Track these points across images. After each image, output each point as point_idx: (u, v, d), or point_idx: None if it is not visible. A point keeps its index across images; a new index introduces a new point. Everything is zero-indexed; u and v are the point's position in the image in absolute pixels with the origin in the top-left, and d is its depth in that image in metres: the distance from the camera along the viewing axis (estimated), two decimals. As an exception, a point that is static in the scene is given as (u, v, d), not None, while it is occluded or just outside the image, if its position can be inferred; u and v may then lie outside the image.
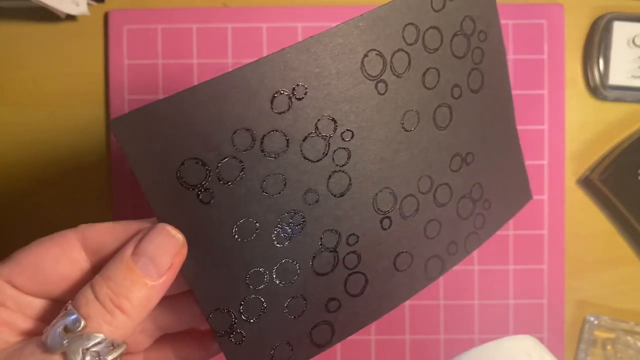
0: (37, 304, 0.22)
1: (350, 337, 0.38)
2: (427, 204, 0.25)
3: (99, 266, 0.22)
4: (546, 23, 0.38)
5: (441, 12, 0.23)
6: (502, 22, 0.38)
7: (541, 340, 0.38)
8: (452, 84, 0.24)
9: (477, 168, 0.26)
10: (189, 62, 0.37)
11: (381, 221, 0.24)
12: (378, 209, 0.23)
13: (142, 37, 0.37)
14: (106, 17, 0.38)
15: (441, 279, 0.38)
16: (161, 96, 0.37)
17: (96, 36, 0.38)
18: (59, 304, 0.21)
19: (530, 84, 0.38)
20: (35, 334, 0.21)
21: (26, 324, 0.22)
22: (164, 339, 0.25)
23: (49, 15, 0.37)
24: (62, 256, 0.21)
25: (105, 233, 0.22)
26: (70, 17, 0.37)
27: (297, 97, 0.21)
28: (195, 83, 0.37)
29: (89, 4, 0.36)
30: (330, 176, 0.22)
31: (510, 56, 0.38)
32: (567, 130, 0.38)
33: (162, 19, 0.37)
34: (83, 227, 0.22)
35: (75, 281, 0.22)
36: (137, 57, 0.37)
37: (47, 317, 0.22)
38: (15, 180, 0.38)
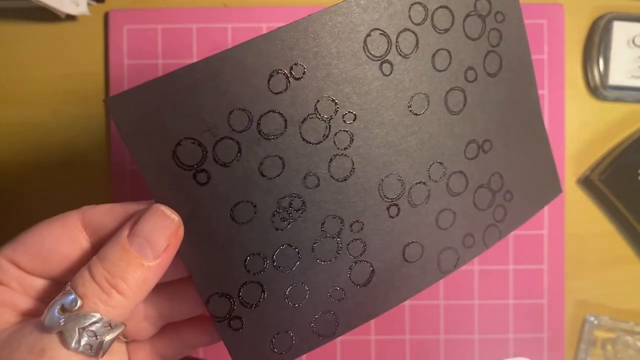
0: (40, 285, 0.22)
1: (350, 337, 0.38)
2: (440, 192, 0.24)
3: (98, 246, 0.22)
4: (546, 23, 0.38)
5: None
6: (502, 22, 0.38)
7: (541, 340, 0.38)
8: (465, 66, 0.23)
9: (496, 156, 0.25)
10: (189, 62, 0.37)
11: (388, 208, 0.23)
12: (384, 195, 0.23)
13: (142, 37, 0.37)
14: (106, 17, 0.38)
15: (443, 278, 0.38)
16: (161, 96, 0.37)
17: (96, 36, 0.38)
18: (61, 285, 0.22)
19: (530, 84, 0.38)
20: (36, 315, 0.22)
21: (28, 304, 0.22)
22: (169, 325, 0.25)
23: (49, 15, 0.37)
24: (63, 236, 0.22)
25: (105, 214, 0.22)
26: (70, 17, 0.37)
27: (295, 76, 0.20)
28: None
29: (89, 4, 0.36)
30: (331, 159, 0.22)
31: (510, 56, 0.38)
32: (567, 130, 0.38)
33: (162, 19, 0.37)
34: (85, 208, 0.22)
35: (76, 261, 0.22)
36: (137, 57, 0.37)
37: (48, 298, 0.22)
38: (15, 180, 0.38)
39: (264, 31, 0.37)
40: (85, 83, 0.38)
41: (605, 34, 0.37)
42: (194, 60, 0.37)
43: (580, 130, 0.39)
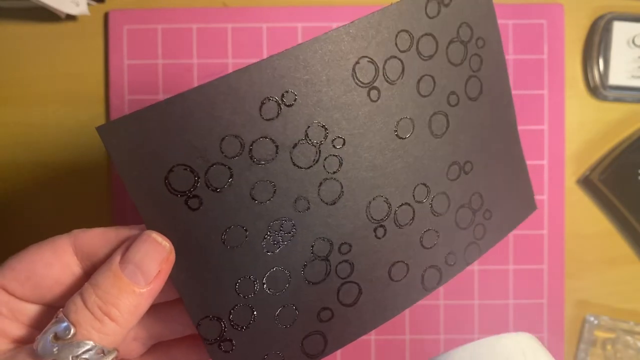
0: (31, 310, 0.22)
1: (350, 337, 0.38)
2: (424, 213, 0.24)
3: (90, 271, 0.22)
4: (546, 23, 0.38)
5: (436, 19, 0.23)
6: (502, 22, 0.38)
7: (541, 340, 0.38)
8: (448, 91, 0.24)
9: (476, 177, 0.26)
10: (189, 62, 0.37)
11: (375, 230, 0.23)
12: (371, 217, 0.23)
13: (142, 37, 0.37)
14: (106, 17, 0.38)
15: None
16: (161, 96, 0.37)
17: (96, 36, 0.38)
18: (52, 310, 0.21)
19: (530, 84, 0.38)
20: (28, 342, 0.21)
21: (19, 331, 0.22)
22: (159, 344, 0.25)
23: (49, 15, 0.37)
24: (54, 261, 0.21)
25: (97, 238, 0.22)
26: (70, 17, 0.37)
27: (287, 103, 0.21)
28: (195, 83, 0.37)
29: (89, 4, 0.36)
30: (321, 183, 0.22)
31: (510, 56, 0.38)
32: (567, 130, 0.38)
33: (162, 19, 0.37)
34: (76, 232, 0.22)
35: (68, 286, 0.22)
36: (137, 57, 0.37)
37: (40, 324, 0.22)
38: (15, 180, 0.38)
39: (264, 31, 0.37)
40: (85, 83, 0.38)
41: (605, 34, 0.37)
42: (194, 60, 0.37)
43: (580, 130, 0.39)
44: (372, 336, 0.38)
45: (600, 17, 0.38)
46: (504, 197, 0.27)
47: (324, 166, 0.22)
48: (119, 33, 0.37)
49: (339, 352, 0.38)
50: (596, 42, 0.38)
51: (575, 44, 0.39)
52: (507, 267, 0.38)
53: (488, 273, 0.38)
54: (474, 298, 0.38)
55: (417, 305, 0.38)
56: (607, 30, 0.37)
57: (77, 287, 0.21)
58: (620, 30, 0.37)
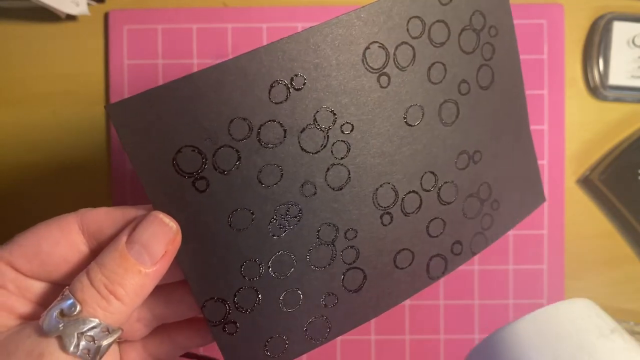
0: (37, 287, 0.22)
1: (350, 337, 0.38)
2: (431, 201, 0.24)
3: (96, 250, 0.22)
4: (546, 23, 0.38)
5: (448, 6, 0.23)
6: (502, 22, 0.38)
7: (541, 340, 0.38)
8: (459, 79, 0.24)
9: (485, 167, 0.25)
10: (189, 62, 0.37)
11: (381, 217, 0.23)
12: (378, 204, 0.23)
13: (142, 37, 0.37)
14: (106, 17, 0.38)
15: (441, 279, 0.38)
16: (161, 96, 0.37)
17: (96, 36, 0.38)
18: (58, 288, 0.22)
19: (530, 84, 0.38)
20: (33, 318, 0.22)
21: (25, 307, 0.22)
22: (162, 326, 0.25)
23: (49, 15, 0.37)
24: (61, 238, 0.22)
25: (103, 217, 0.22)
26: (70, 17, 0.37)
27: (296, 87, 0.21)
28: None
29: (89, 4, 0.37)
30: (328, 169, 0.22)
31: (510, 56, 0.38)
32: (567, 130, 0.38)
33: (162, 19, 0.37)
34: (83, 211, 0.22)
35: (74, 264, 0.22)
36: (137, 57, 0.37)
37: (46, 301, 0.22)
38: (15, 180, 0.38)
39: (264, 31, 0.37)
40: (85, 83, 0.38)
41: (605, 34, 0.37)
42: (194, 60, 0.37)
43: (580, 130, 0.39)
44: (372, 336, 0.38)
45: (600, 17, 0.38)
46: (513, 188, 0.27)
47: (331, 151, 0.22)
48: (119, 33, 0.37)
49: (339, 351, 0.38)
50: (596, 42, 0.38)
51: (575, 44, 0.39)
52: (507, 267, 0.38)
53: (488, 273, 0.38)
54: (474, 298, 0.38)
55: (417, 305, 0.38)
56: (607, 30, 0.37)
57: (84, 265, 0.21)
58: (620, 30, 0.37)
